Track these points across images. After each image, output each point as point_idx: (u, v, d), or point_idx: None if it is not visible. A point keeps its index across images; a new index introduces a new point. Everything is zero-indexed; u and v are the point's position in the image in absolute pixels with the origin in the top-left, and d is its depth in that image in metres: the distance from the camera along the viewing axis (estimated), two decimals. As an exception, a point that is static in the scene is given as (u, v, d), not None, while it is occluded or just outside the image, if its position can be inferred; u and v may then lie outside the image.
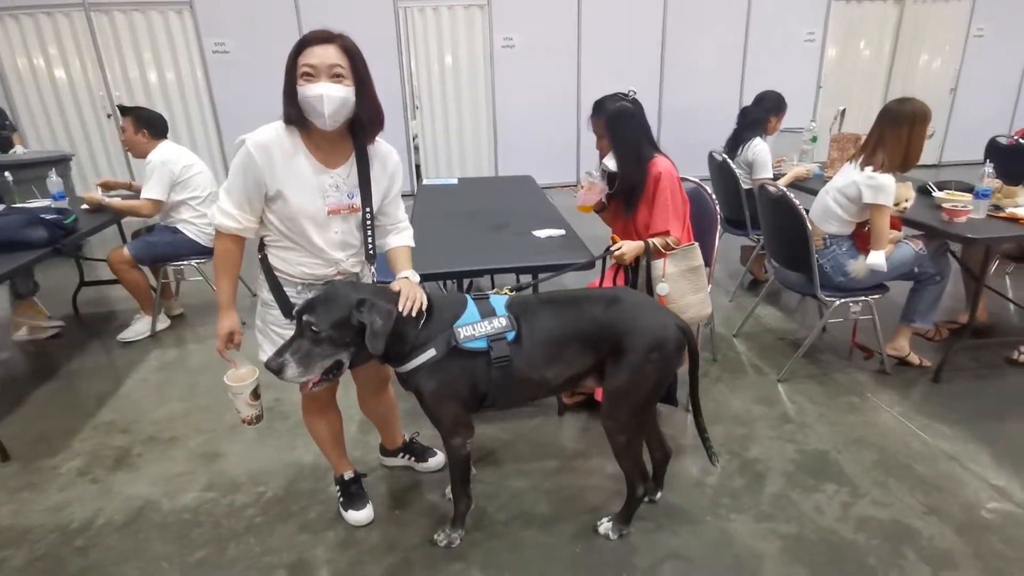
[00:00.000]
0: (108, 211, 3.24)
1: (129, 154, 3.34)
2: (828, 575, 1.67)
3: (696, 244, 2.17)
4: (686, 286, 2.15)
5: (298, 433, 2.39)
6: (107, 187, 3.44)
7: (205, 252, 3.35)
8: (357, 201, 1.59)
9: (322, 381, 1.49)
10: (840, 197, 2.55)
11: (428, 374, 1.53)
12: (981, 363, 2.79)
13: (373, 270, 1.68)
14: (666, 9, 6.75)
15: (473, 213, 3.00)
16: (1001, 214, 2.59)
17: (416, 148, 6.98)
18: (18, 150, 4.98)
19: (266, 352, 1.72)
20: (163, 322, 3.46)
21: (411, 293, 1.52)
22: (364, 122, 1.51)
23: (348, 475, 1.95)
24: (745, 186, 3.55)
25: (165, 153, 3.16)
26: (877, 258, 2.45)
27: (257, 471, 2.19)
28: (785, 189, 2.57)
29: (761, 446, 2.25)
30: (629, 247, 2.12)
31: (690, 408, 2.45)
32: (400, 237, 1.74)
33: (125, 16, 6.02)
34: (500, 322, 1.55)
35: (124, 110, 3.17)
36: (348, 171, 1.57)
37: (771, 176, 3.48)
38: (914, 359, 2.77)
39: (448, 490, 1.98)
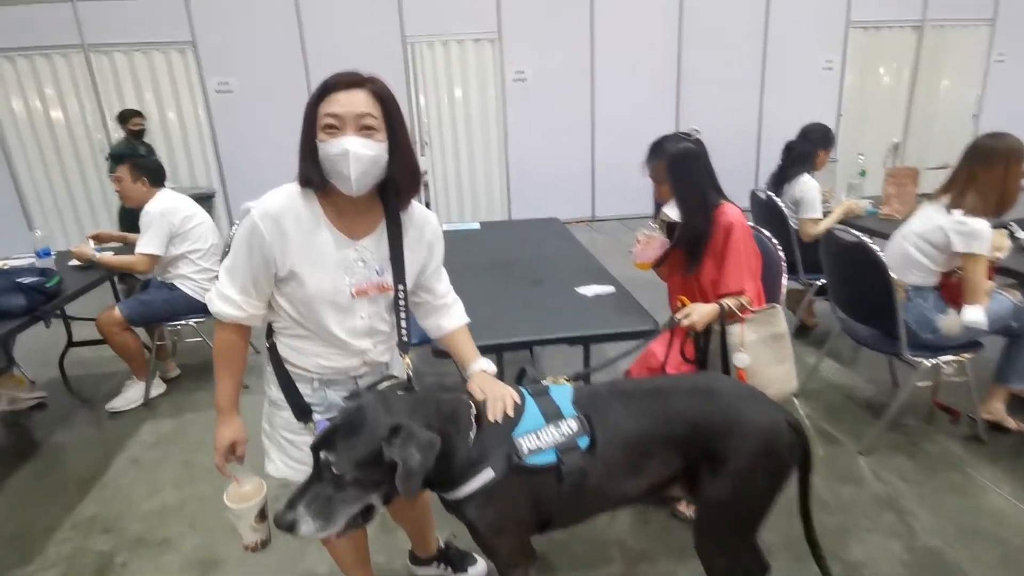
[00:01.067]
0: (100, 267, 2.94)
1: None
2: None
3: (779, 308, 1.86)
4: (769, 356, 1.83)
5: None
6: (99, 240, 3.16)
7: (204, 310, 3.04)
8: (388, 279, 1.28)
9: (348, 529, 1.15)
10: (923, 244, 2.24)
11: (484, 501, 1.20)
12: (1087, 426, 2.45)
13: (408, 361, 1.34)
14: (681, 39, 6.57)
15: (503, 265, 2.70)
16: (1105, 259, 2.29)
17: (426, 185, 6.74)
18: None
19: (274, 462, 1.40)
20: (158, 387, 3.13)
21: (495, 392, 1.21)
22: (398, 184, 1.21)
23: (374, 599, 1.60)
24: (793, 226, 3.26)
25: (163, 203, 2.87)
26: (975, 314, 2.14)
27: (263, 586, 1.84)
28: (863, 236, 2.27)
29: (862, 543, 1.90)
30: (700, 313, 1.81)
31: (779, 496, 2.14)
32: (453, 317, 1.45)
33: (126, 57, 5.83)
34: (570, 426, 1.22)
35: (118, 158, 2.90)
36: (377, 242, 1.27)
37: (821, 215, 3.20)
38: (1010, 423, 2.43)
39: (495, 615, 1.63)
